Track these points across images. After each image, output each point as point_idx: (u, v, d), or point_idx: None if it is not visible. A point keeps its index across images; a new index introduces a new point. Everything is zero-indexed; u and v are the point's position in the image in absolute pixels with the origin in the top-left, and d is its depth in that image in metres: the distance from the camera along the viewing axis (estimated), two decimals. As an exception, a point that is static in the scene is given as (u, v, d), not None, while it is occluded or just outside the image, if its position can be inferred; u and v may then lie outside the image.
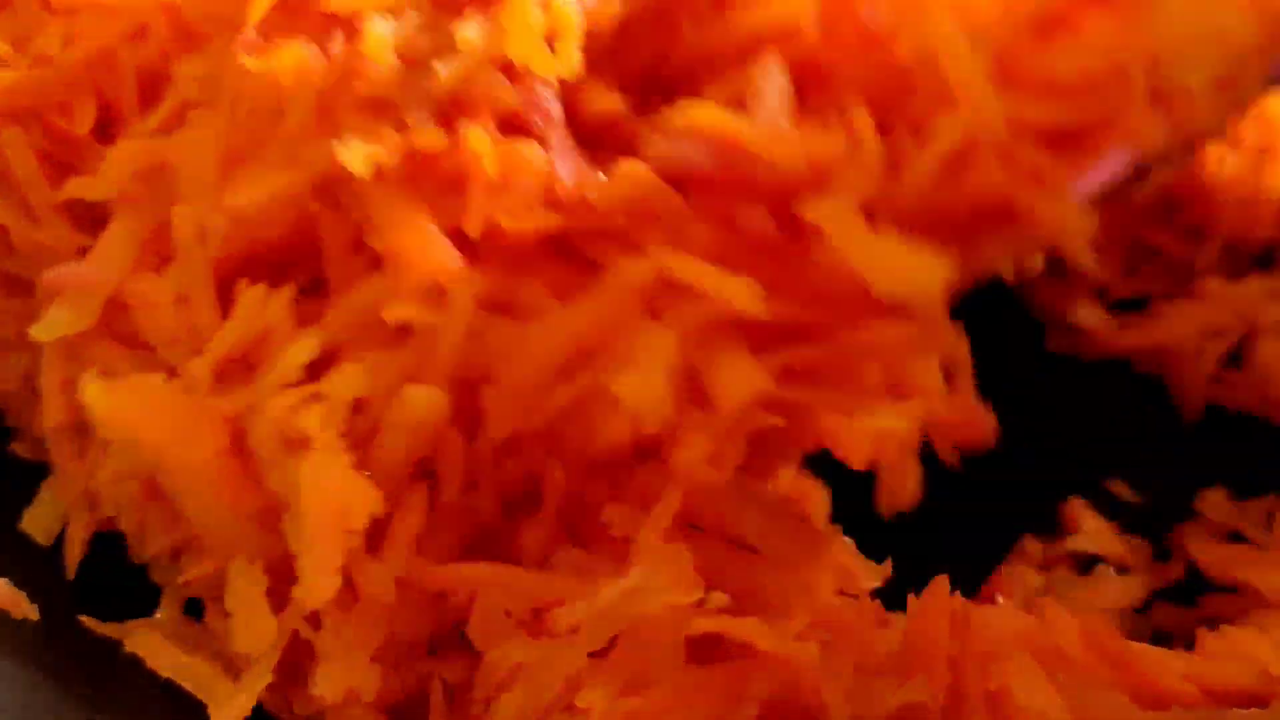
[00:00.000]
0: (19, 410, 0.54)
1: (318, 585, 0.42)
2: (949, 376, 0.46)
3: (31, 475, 0.52)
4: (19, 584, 0.48)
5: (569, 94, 0.45)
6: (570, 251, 0.45)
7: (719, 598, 0.41)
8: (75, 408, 0.47)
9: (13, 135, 0.51)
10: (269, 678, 0.43)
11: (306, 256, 0.47)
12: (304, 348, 0.44)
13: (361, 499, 0.42)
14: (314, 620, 0.44)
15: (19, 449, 0.53)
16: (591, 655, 0.40)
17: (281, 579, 0.44)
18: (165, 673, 0.46)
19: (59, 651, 0.47)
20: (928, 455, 0.59)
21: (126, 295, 0.48)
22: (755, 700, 0.39)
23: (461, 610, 0.44)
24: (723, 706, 0.39)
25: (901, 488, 0.47)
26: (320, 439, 0.42)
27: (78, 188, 0.50)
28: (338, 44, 0.45)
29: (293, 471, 0.42)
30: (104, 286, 0.48)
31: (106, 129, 0.52)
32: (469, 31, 0.44)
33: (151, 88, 0.51)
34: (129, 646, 0.46)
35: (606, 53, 0.46)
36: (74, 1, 0.52)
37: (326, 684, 0.44)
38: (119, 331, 0.49)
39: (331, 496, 0.42)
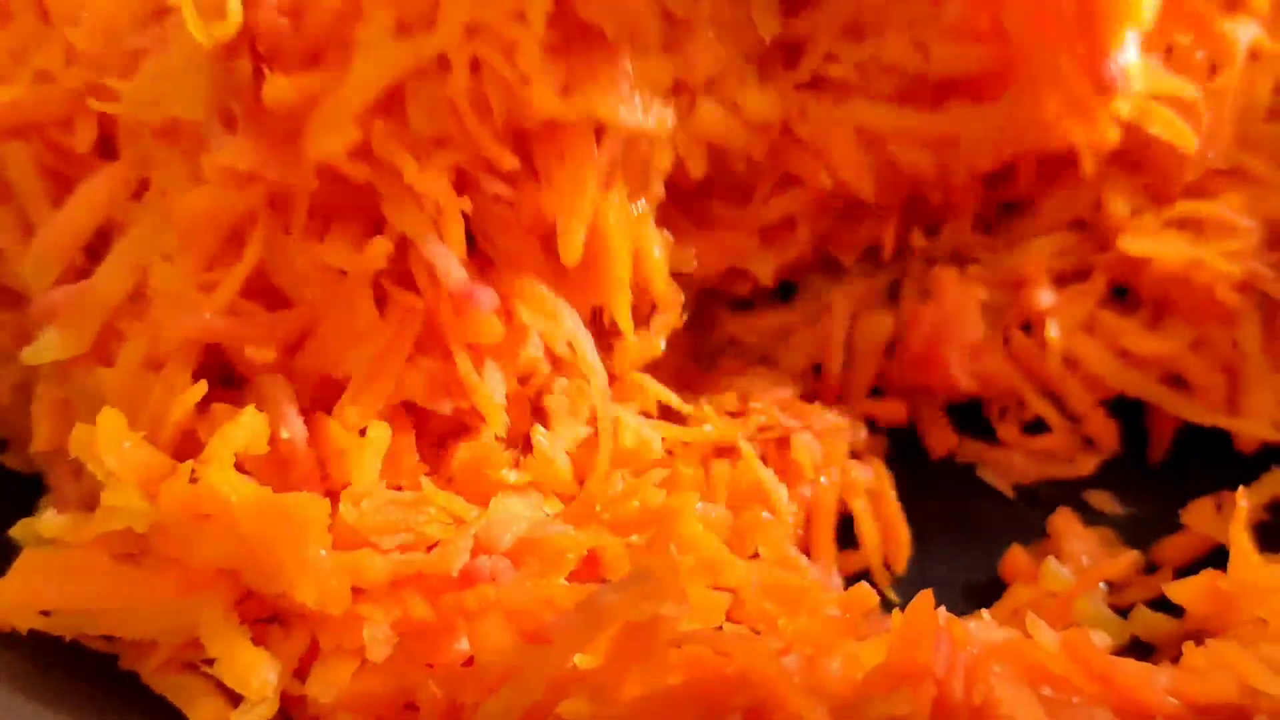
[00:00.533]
0: (11, 422, 0.55)
1: (318, 588, 0.44)
2: None
3: (28, 486, 0.53)
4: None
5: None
6: None
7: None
8: (67, 430, 0.48)
9: (14, 150, 0.52)
10: None
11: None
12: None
13: (313, 507, 0.44)
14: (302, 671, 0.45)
15: (10, 462, 0.54)
16: (578, 664, 0.41)
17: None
18: (160, 690, 0.46)
19: (55, 666, 0.47)
20: (923, 463, 0.60)
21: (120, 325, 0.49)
22: (738, 711, 0.40)
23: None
24: (707, 717, 0.40)
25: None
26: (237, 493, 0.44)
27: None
28: None
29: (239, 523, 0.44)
30: (98, 314, 0.49)
31: (109, 145, 0.52)
32: None
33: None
34: (124, 664, 0.47)
35: None
36: (73, 15, 0.53)
37: (322, 686, 0.44)
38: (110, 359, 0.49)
39: (282, 519, 0.44)
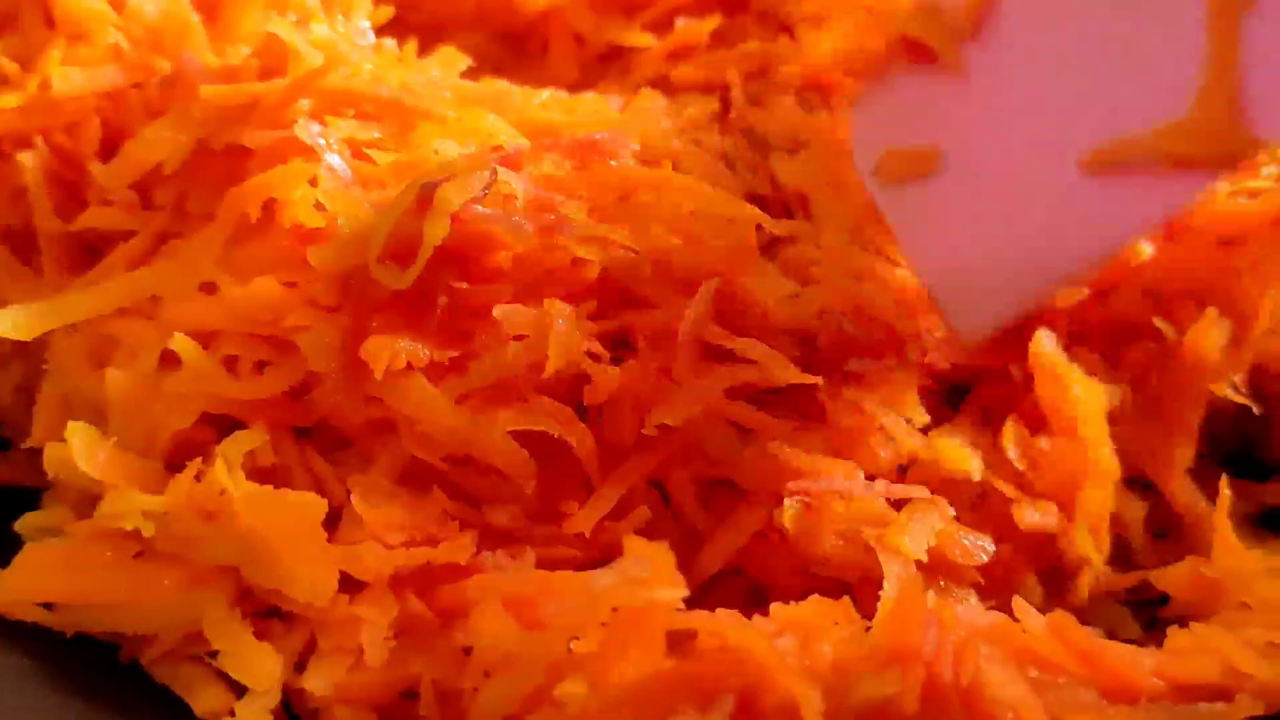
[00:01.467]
0: (12, 423, 0.56)
1: (316, 583, 0.44)
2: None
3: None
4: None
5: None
6: None
7: None
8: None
9: (27, 160, 0.53)
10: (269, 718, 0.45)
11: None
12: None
13: (311, 505, 0.45)
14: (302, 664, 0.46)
15: (6, 472, 0.55)
16: (574, 648, 0.42)
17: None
18: (161, 679, 0.47)
19: (60, 654, 0.47)
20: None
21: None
22: (732, 693, 0.40)
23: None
24: (701, 699, 0.40)
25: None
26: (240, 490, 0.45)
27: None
28: None
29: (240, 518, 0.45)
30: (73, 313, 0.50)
31: (113, 150, 0.54)
32: None
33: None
34: (124, 655, 0.48)
35: None
36: (78, 27, 0.54)
37: (319, 681, 0.45)
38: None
39: (282, 514, 0.45)
